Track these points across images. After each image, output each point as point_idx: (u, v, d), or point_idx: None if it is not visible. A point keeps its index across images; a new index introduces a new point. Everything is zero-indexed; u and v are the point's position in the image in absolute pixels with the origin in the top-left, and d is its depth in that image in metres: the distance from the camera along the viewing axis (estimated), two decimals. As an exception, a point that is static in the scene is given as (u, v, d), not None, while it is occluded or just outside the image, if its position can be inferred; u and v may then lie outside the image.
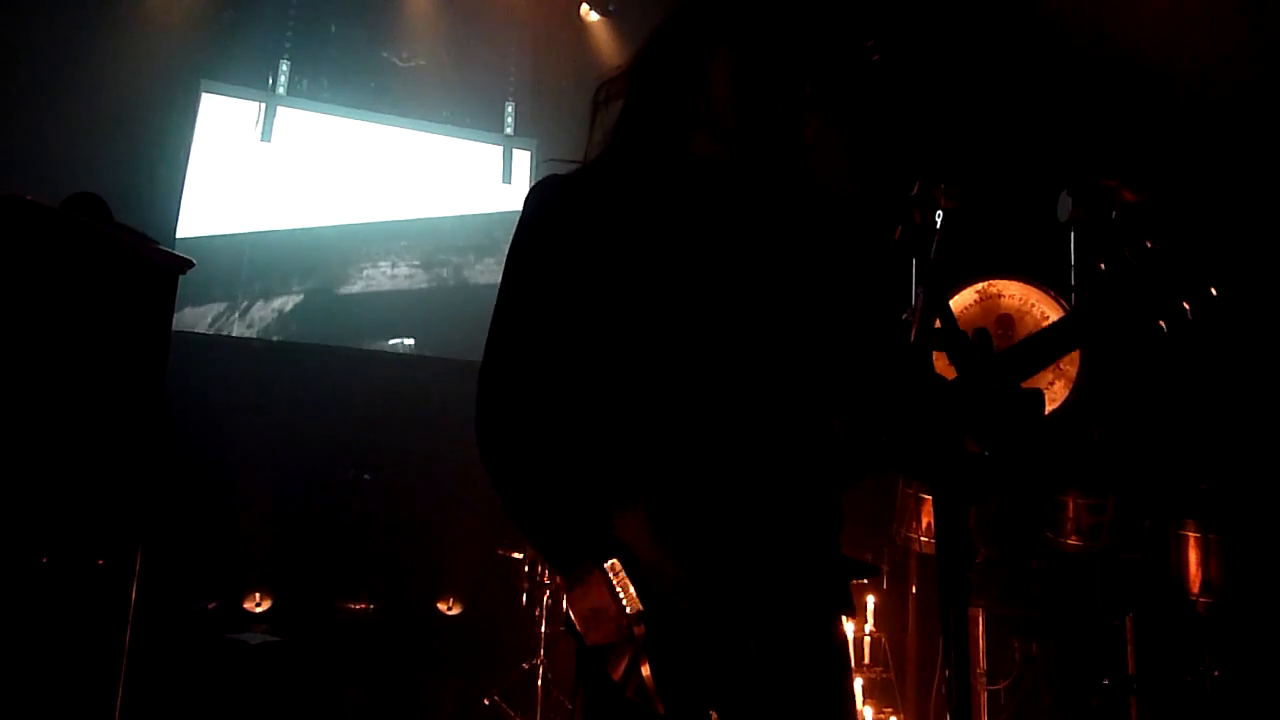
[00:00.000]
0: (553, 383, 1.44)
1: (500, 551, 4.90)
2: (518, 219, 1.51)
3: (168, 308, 3.01)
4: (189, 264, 3.07)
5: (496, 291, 1.51)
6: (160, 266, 3.01)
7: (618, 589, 1.28)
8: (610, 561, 1.29)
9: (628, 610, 1.27)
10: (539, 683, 4.39)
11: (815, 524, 1.43)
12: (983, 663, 3.62)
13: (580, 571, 1.32)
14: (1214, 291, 1.17)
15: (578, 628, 1.33)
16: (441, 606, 5.98)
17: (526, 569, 4.73)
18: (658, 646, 1.26)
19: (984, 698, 3.60)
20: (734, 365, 1.41)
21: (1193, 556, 3.49)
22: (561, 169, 1.56)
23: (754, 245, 1.47)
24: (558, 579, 4.60)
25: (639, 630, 1.26)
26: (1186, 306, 1.21)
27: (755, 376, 1.41)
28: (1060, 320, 1.35)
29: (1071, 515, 3.56)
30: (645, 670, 1.24)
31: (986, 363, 1.26)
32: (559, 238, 1.45)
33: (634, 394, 1.40)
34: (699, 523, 1.34)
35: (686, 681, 1.27)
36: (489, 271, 6.70)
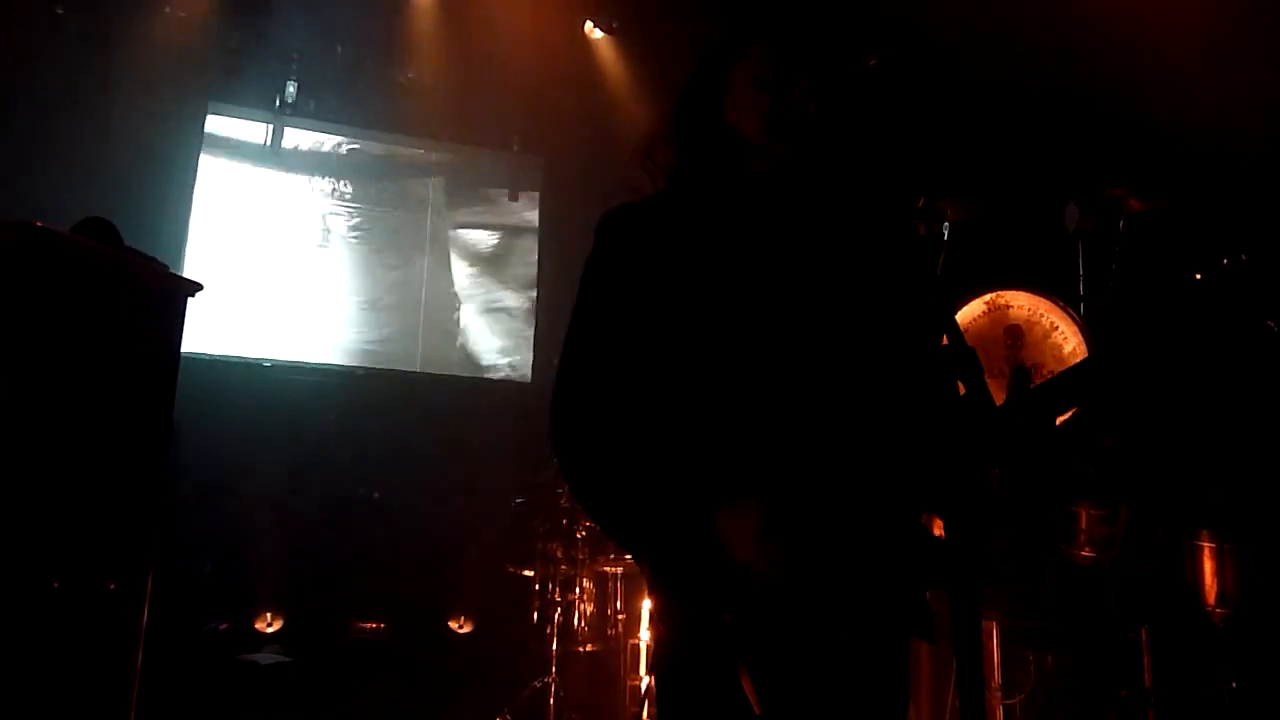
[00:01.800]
0: (634, 399, 1.45)
1: (511, 569, 4.89)
2: (591, 247, 1.56)
3: (178, 330, 3.02)
4: (198, 287, 3.08)
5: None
6: (170, 289, 3.02)
7: (714, 593, 1.30)
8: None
9: (727, 617, 1.28)
10: (551, 700, 4.37)
11: (906, 538, 1.44)
12: (997, 676, 3.59)
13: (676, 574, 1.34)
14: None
15: (666, 628, 1.37)
16: (452, 624, 5.97)
17: (537, 586, 4.72)
18: (754, 648, 1.27)
19: (999, 712, 3.57)
20: (820, 378, 1.42)
21: (1208, 567, 3.46)
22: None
23: (824, 254, 1.50)
24: (569, 596, 4.60)
25: (735, 632, 1.27)
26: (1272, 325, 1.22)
27: (844, 389, 1.43)
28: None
29: (1084, 526, 3.53)
30: (743, 672, 1.25)
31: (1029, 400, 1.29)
32: (632, 261, 1.49)
33: (728, 401, 1.41)
34: (802, 529, 1.34)
35: (784, 683, 1.27)
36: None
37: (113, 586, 2.65)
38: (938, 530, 1.50)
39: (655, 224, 1.51)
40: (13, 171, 4.94)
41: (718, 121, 1.54)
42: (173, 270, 3.16)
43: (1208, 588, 3.45)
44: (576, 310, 1.53)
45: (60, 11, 5.56)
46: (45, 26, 5.49)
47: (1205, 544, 3.48)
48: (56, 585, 2.46)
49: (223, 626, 5.27)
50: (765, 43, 1.51)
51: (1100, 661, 3.62)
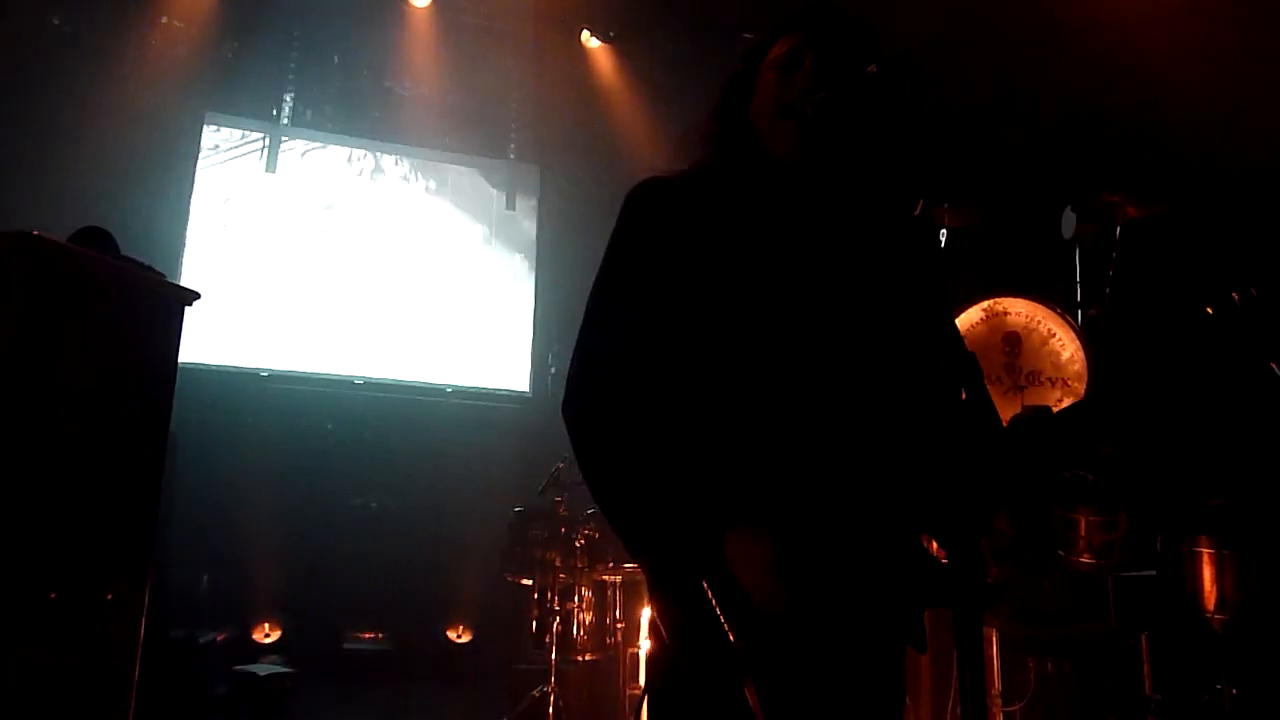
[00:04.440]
0: (651, 389, 1.44)
1: (509, 578, 4.88)
2: (617, 217, 1.56)
3: (175, 339, 3.02)
4: (195, 296, 3.07)
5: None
6: (167, 299, 3.02)
7: (719, 611, 1.29)
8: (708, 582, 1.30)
9: (731, 634, 1.27)
10: (550, 710, 4.35)
11: (911, 554, 1.44)
12: (998, 683, 3.58)
13: (682, 587, 1.33)
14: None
15: (671, 641, 1.36)
16: (451, 634, 5.95)
17: (536, 595, 4.70)
18: (761, 667, 1.26)
19: (999, 719, 3.56)
20: (832, 388, 1.43)
21: (1207, 573, 3.46)
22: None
23: (835, 256, 1.51)
24: (568, 605, 4.58)
25: (742, 649, 1.26)
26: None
27: (854, 402, 1.43)
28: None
29: (1083, 533, 3.53)
30: (749, 690, 1.24)
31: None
32: (656, 241, 1.50)
33: (740, 405, 1.41)
34: (810, 549, 1.34)
35: (789, 701, 1.27)
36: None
37: (110, 597, 2.64)
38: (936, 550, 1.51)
39: (680, 206, 1.52)
40: (10, 180, 4.94)
41: (743, 117, 1.58)
42: (170, 279, 3.15)
43: (1207, 594, 3.44)
44: (600, 284, 1.52)
45: (57, 22, 5.57)
46: (42, 37, 5.49)
47: (1205, 550, 3.48)
48: (54, 596, 2.44)
49: (220, 637, 5.25)
50: (787, 36, 1.56)
51: (1100, 668, 3.61)
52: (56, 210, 4.28)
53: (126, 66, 5.67)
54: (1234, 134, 4.21)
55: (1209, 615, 3.43)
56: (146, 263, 3.00)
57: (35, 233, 2.46)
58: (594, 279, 1.53)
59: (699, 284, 1.45)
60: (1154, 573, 3.60)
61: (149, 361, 2.91)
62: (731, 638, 1.25)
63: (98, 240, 2.82)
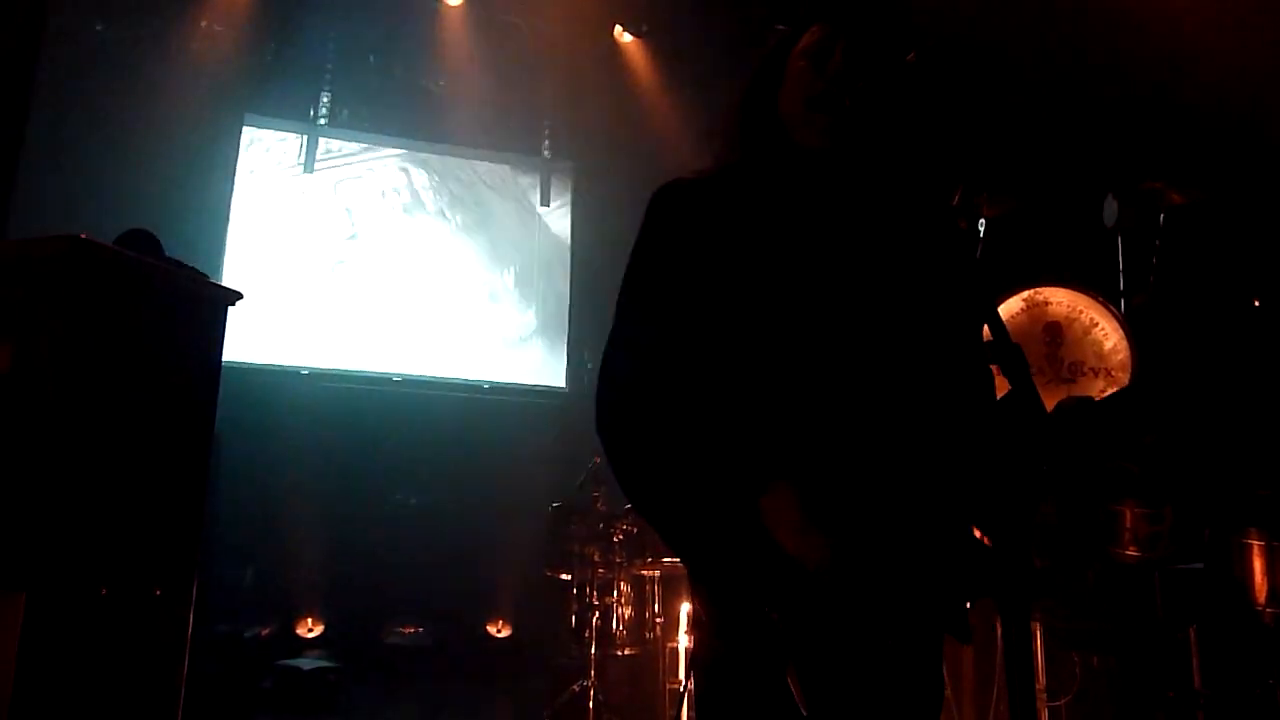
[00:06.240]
0: (681, 378, 1.43)
1: (548, 573, 4.90)
2: (641, 220, 1.55)
3: (218, 339, 3.06)
4: (238, 296, 3.12)
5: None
6: (210, 299, 3.06)
7: (759, 581, 1.28)
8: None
9: (774, 616, 1.27)
10: (590, 704, 4.37)
11: (951, 540, 1.42)
12: (1043, 678, 3.54)
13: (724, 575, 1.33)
14: None
15: (708, 630, 1.36)
16: (490, 629, 6.00)
17: (575, 590, 4.72)
18: (803, 646, 1.26)
19: (1045, 714, 3.52)
20: (866, 373, 1.41)
21: (1257, 565, 3.39)
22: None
23: (868, 241, 1.49)
24: (607, 599, 4.60)
25: (783, 633, 1.26)
26: None
27: (890, 385, 1.42)
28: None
29: (1129, 525, 3.47)
30: (790, 674, 1.24)
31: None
32: (681, 241, 1.48)
33: (772, 390, 1.40)
34: (843, 513, 1.33)
35: (831, 683, 1.26)
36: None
37: (159, 593, 2.69)
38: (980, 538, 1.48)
39: (705, 203, 1.50)
40: (59, 186, 5.04)
41: (771, 108, 1.55)
42: (212, 280, 3.19)
43: (1257, 586, 3.38)
44: (625, 287, 1.51)
45: (100, 29, 5.67)
46: (86, 44, 5.59)
47: (1254, 541, 3.41)
48: (105, 592, 2.50)
49: (264, 632, 5.33)
50: (817, 24, 1.52)
51: (1147, 662, 3.56)
52: (102, 213, 4.36)
53: (167, 71, 5.76)
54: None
55: (1259, 608, 3.37)
56: (190, 264, 3.04)
57: (84, 236, 2.50)
58: (620, 287, 1.52)
59: (728, 283, 1.43)
60: (1202, 565, 3.54)
61: (194, 361, 2.96)
62: (775, 617, 1.25)
63: (143, 243, 2.87)
